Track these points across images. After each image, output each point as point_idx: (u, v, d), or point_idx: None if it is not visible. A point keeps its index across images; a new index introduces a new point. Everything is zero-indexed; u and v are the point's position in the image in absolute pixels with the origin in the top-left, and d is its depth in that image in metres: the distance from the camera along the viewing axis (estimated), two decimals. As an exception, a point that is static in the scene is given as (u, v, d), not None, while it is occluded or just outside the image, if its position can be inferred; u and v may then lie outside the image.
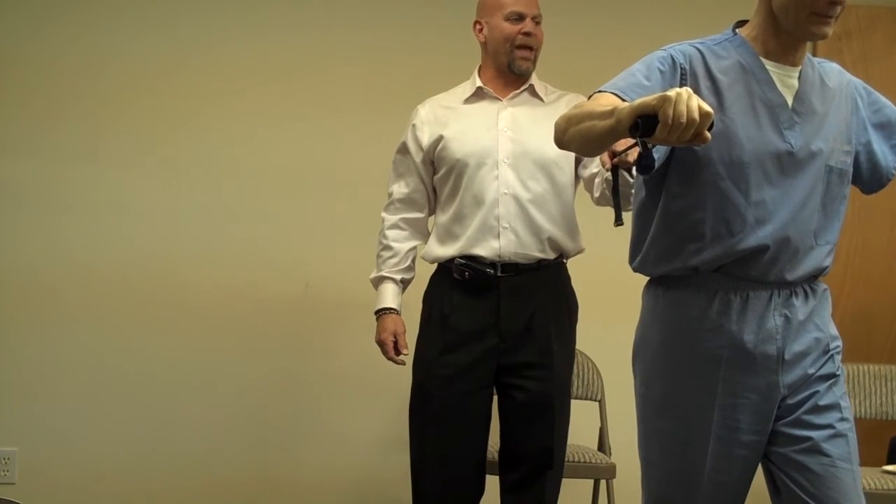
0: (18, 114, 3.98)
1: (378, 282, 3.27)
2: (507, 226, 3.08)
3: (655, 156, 2.08)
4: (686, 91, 1.81)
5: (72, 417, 3.95)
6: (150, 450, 3.99)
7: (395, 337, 3.22)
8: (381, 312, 3.24)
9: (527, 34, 3.12)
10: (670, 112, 1.79)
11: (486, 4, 3.19)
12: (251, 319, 4.05)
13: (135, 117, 4.03)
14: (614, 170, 2.66)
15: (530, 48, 3.13)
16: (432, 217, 3.28)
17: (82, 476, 3.94)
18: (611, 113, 1.92)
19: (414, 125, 3.22)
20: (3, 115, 3.97)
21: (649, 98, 1.84)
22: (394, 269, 3.24)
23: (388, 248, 3.26)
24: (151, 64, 4.04)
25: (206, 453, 4.02)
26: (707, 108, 1.81)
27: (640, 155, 2.01)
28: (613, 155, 2.73)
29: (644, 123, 1.83)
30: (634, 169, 2.83)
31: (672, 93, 1.80)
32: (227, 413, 4.03)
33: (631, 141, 2.03)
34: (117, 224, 4.01)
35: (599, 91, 2.14)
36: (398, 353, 3.23)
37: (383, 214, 3.30)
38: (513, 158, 3.08)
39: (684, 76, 2.18)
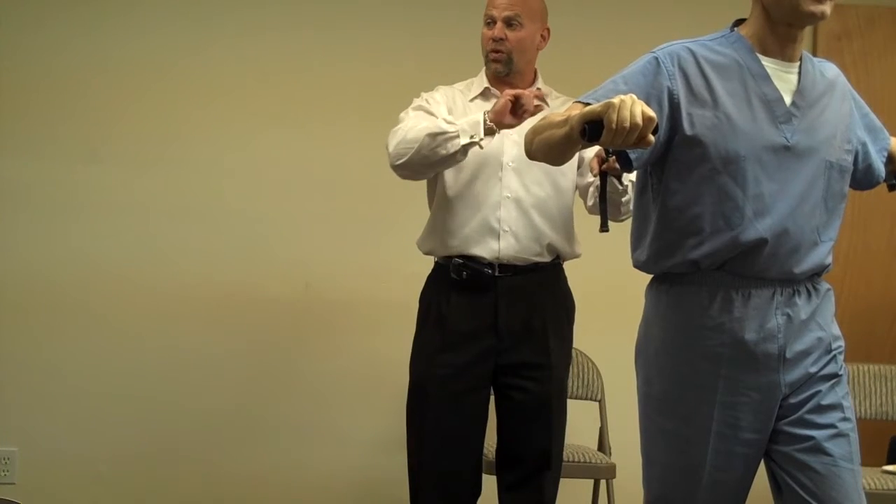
0: (19, 115, 3.98)
1: (452, 135, 2.93)
2: (508, 229, 3.07)
3: (632, 156, 2.17)
4: (630, 97, 1.92)
5: (72, 417, 3.95)
6: (149, 450, 3.99)
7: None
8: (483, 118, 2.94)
9: (493, 40, 3.10)
10: (614, 117, 1.90)
11: None
12: (251, 319, 4.05)
13: (135, 118, 4.03)
14: (603, 176, 2.68)
15: (498, 51, 3.10)
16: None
17: (82, 476, 3.94)
18: (565, 121, 2.05)
19: (431, 98, 3.14)
20: (3, 116, 3.97)
21: (596, 105, 1.96)
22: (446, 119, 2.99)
23: (422, 122, 2.99)
24: (152, 65, 4.04)
25: (206, 453, 4.02)
26: (650, 113, 1.91)
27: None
28: (602, 161, 2.74)
29: (591, 129, 1.95)
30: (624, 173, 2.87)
31: (616, 99, 1.91)
32: (227, 413, 4.03)
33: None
34: (117, 224, 4.01)
35: (577, 101, 2.21)
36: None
37: (399, 126, 3.05)
38: (518, 162, 3.06)
39: (671, 77, 2.20)
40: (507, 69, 3.12)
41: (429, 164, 2.99)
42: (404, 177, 3.10)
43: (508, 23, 3.10)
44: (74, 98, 4.00)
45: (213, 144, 4.06)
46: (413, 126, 3.00)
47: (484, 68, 3.21)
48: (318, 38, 4.12)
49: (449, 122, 2.97)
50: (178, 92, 4.05)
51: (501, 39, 3.09)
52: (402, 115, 3.11)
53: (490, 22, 3.11)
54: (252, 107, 4.07)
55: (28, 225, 3.98)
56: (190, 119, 4.05)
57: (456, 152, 2.94)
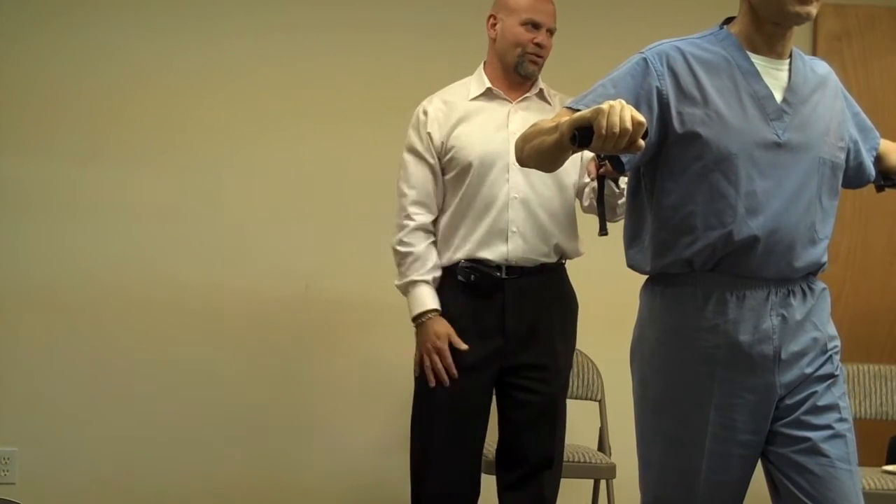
0: (18, 115, 3.98)
1: (408, 287, 3.11)
2: (517, 230, 3.07)
3: (623, 159, 2.19)
4: (619, 103, 1.92)
5: (72, 417, 3.95)
6: (149, 450, 3.99)
7: (449, 340, 3.05)
8: (423, 317, 3.07)
9: (538, 45, 3.12)
10: (603, 123, 1.90)
11: (505, 1, 3.16)
12: (251, 320, 4.05)
13: (135, 119, 4.03)
14: (600, 179, 2.68)
15: (539, 56, 3.14)
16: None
17: (82, 476, 3.94)
18: (556, 128, 2.05)
19: (422, 123, 3.15)
20: (3, 116, 3.97)
21: (586, 111, 1.96)
22: (423, 272, 3.10)
23: (410, 254, 3.10)
24: (152, 65, 4.04)
25: (205, 454, 4.02)
26: (640, 118, 1.91)
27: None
28: (599, 165, 2.74)
29: (581, 135, 1.96)
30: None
31: (605, 105, 1.92)
32: (226, 414, 4.03)
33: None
34: (117, 225, 4.01)
35: (566, 107, 2.22)
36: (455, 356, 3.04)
37: (400, 221, 3.16)
38: None
39: (660, 76, 2.20)
40: (538, 73, 3.16)
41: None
42: None
43: (550, 32, 3.16)
44: (73, 99, 4.00)
45: (213, 145, 4.06)
46: (396, 252, 3.16)
47: (481, 67, 3.21)
48: (317, 39, 4.12)
49: (404, 276, 3.12)
50: (176, 93, 4.05)
51: (545, 47, 3.14)
52: (400, 159, 3.19)
53: (533, 25, 3.12)
54: (251, 108, 4.07)
55: (27, 225, 3.98)
56: (189, 120, 4.05)
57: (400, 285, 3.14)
